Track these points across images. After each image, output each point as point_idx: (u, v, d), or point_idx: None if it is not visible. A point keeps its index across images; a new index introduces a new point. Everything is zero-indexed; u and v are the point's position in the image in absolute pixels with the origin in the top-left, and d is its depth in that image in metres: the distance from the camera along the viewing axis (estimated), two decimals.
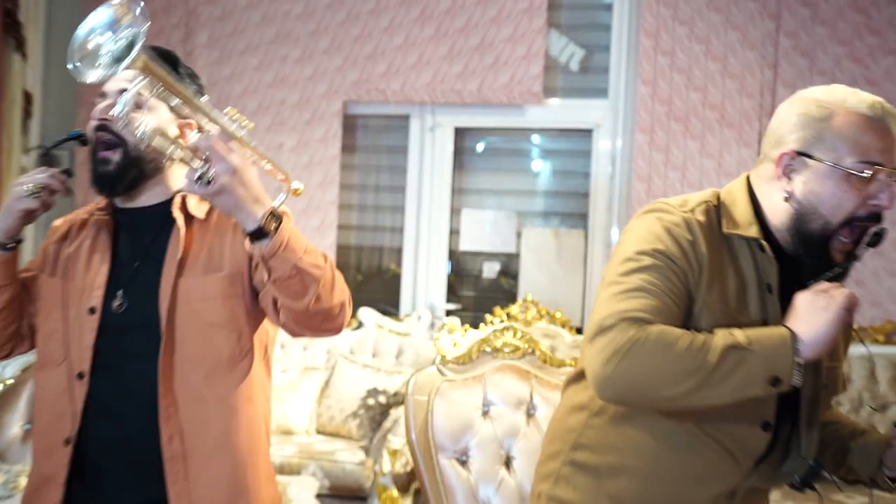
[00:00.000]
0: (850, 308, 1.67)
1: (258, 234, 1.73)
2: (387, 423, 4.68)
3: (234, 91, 5.51)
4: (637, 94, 5.18)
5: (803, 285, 1.76)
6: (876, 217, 1.76)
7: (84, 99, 5.60)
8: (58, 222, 2.17)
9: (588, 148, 5.45)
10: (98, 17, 1.65)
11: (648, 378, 1.74)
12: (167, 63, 1.97)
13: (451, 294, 5.73)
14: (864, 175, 1.71)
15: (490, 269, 5.77)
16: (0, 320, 2.05)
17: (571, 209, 5.71)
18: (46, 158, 5.49)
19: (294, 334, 2.00)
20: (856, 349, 3.86)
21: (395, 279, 5.77)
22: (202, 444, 2.00)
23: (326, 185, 5.46)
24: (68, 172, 2.01)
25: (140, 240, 2.03)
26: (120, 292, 1.98)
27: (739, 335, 1.71)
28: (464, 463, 2.73)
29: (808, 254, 1.82)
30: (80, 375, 1.96)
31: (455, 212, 5.66)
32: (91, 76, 1.62)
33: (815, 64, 4.98)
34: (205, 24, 5.56)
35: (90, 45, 1.66)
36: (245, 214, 1.72)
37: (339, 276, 1.96)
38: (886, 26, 4.92)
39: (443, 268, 5.65)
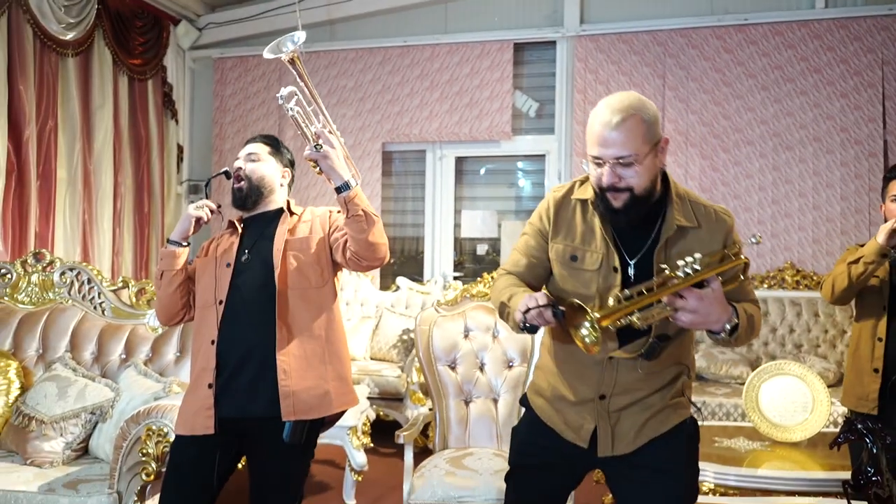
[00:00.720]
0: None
1: (343, 188, 1.98)
2: (414, 352, 4.45)
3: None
4: (573, 131, 5.26)
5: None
6: None
7: (216, 147, 5.81)
8: (206, 243, 2.31)
9: (543, 167, 5.51)
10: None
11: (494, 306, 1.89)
12: (271, 143, 2.30)
13: (458, 266, 5.76)
14: None
15: (481, 249, 5.83)
16: (179, 294, 2.20)
17: (533, 207, 5.81)
18: (195, 188, 5.93)
19: (354, 265, 2.10)
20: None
21: (420, 259, 5.78)
22: (300, 332, 2.10)
23: (373, 198, 5.52)
24: (219, 206, 2.22)
25: (260, 228, 2.21)
26: (246, 251, 2.17)
27: (507, 294, 1.78)
28: (453, 368, 2.95)
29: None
30: (220, 301, 2.10)
31: (457, 212, 5.71)
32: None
33: (689, 107, 5.12)
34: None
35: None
36: (336, 174, 1.98)
37: (383, 229, 2.12)
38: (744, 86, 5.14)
39: (450, 249, 5.68)
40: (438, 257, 5.71)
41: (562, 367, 1.86)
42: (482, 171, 5.88)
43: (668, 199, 1.75)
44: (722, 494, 2.63)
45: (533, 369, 2.70)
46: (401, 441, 2.58)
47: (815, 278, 4.84)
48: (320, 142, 1.98)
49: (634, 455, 1.79)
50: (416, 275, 5.72)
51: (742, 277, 1.75)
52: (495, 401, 2.92)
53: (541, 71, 5.53)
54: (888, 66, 4.77)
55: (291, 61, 2.00)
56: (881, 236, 2.45)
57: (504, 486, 2.01)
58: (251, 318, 2.09)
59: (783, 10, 4.99)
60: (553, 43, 5.41)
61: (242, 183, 2.22)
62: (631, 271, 1.74)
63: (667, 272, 1.61)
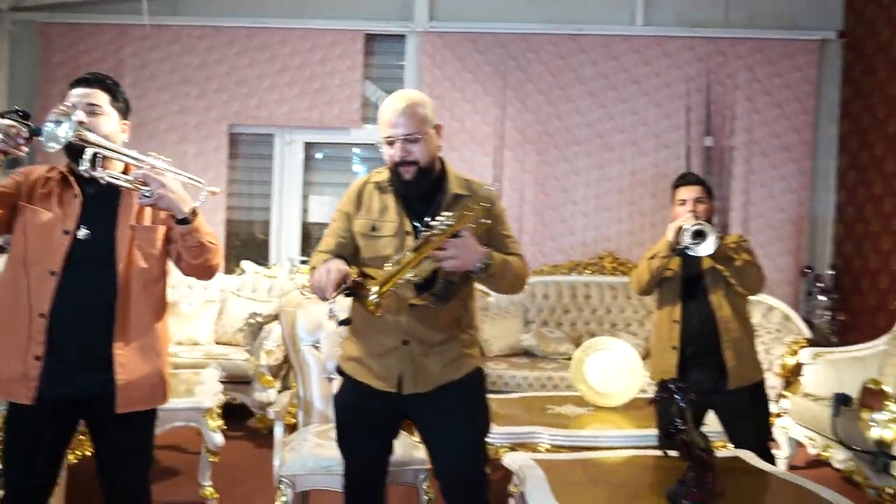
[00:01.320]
0: None
1: (183, 222, 1.99)
2: (263, 334, 4.68)
3: (150, 116, 5.44)
4: None
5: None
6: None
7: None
8: (27, 171, 2.10)
9: None
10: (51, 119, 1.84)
11: None
12: (111, 89, 2.08)
13: (304, 251, 5.78)
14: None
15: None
16: None
17: None
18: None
19: (184, 274, 2.16)
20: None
21: (265, 243, 5.78)
22: (137, 325, 2.06)
23: (218, 180, 5.41)
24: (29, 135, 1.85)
25: (100, 198, 2.05)
26: (84, 227, 2.03)
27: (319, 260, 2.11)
28: (317, 348, 3.06)
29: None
30: (53, 273, 1.98)
31: (305, 197, 5.75)
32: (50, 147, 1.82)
33: (526, 107, 5.53)
34: (130, 70, 5.48)
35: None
36: (177, 210, 1.96)
37: (220, 250, 2.16)
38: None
39: (296, 233, 5.72)
40: (285, 241, 5.75)
41: (367, 327, 2.18)
42: (319, 156, 5.98)
43: (445, 176, 2.18)
44: (555, 452, 3.00)
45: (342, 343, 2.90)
46: (272, 416, 2.70)
47: (629, 265, 5.49)
48: (149, 189, 1.92)
49: (435, 399, 2.16)
50: (261, 258, 5.73)
51: (505, 234, 2.22)
52: None
53: (391, 63, 5.73)
54: (692, 81, 5.50)
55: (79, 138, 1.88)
56: (670, 234, 2.87)
57: None
58: (89, 303, 2.02)
59: (609, 24, 5.58)
60: (403, 36, 5.62)
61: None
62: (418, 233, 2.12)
63: (427, 232, 1.99)
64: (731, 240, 2.99)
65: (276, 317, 4.95)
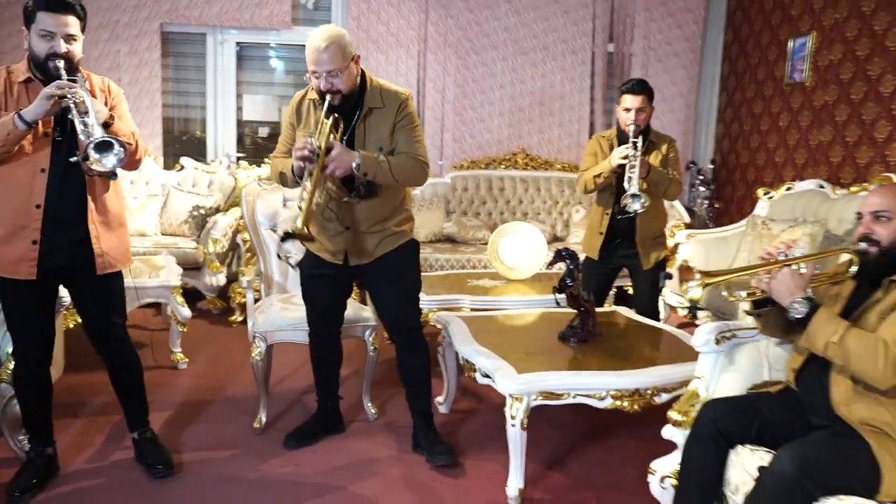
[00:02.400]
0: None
1: (105, 126, 2.27)
2: (208, 225, 5.11)
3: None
4: (348, 24, 5.75)
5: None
6: None
7: None
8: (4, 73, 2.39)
9: None
10: None
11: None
12: (80, 14, 2.32)
13: (240, 146, 6.13)
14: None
15: (263, 132, 6.26)
16: None
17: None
18: None
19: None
20: None
21: (202, 140, 6.04)
22: (102, 202, 2.47)
23: (153, 78, 5.68)
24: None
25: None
26: (58, 128, 2.35)
27: (282, 166, 2.67)
28: (274, 230, 3.57)
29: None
30: (43, 170, 2.35)
31: (239, 96, 6.03)
32: None
33: (448, 13, 5.94)
34: None
35: None
36: (100, 116, 2.27)
37: (140, 145, 2.50)
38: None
39: (232, 131, 5.99)
40: (221, 138, 6.06)
41: (321, 218, 2.74)
42: (261, 55, 6.20)
43: (365, 92, 2.62)
44: (478, 312, 3.72)
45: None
46: (244, 286, 3.29)
47: (539, 160, 6.19)
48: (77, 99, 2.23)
49: (376, 265, 2.77)
50: (199, 155, 6.02)
51: (411, 134, 2.65)
52: None
53: None
54: None
55: None
56: (614, 161, 3.37)
57: None
58: (69, 189, 2.40)
59: None
60: None
61: (61, 63, 2.28)
62: (344, 143, 2.61)
63: (303, 157, 2.48)
64: (663, 149, 3.53)
65: (217, 209, 5.42)
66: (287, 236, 2.52)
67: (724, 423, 2.11)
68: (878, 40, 4.42)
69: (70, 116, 2.27)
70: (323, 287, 2.90)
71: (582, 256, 3.46)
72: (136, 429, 2.83)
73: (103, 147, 2.19)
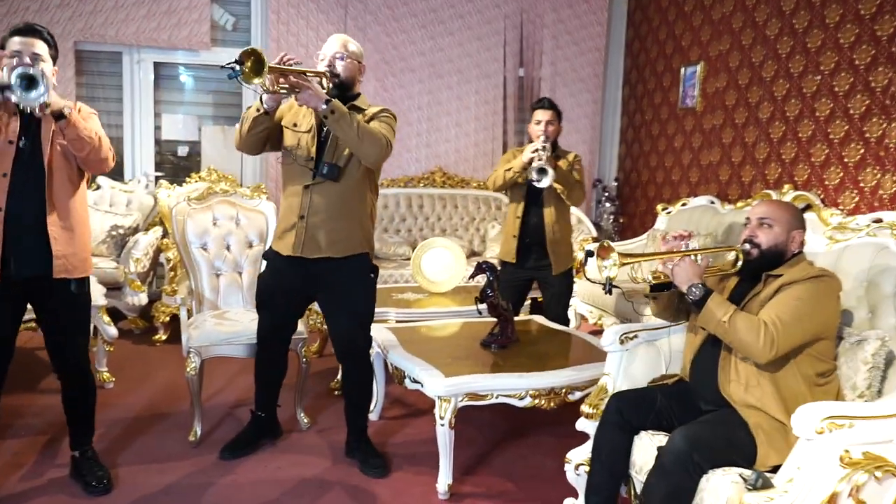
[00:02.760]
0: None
1: (59, 118, 2.40)
2: (129, 245, 5.03)
3: None
4: (268, 46, 5.87)
5: None
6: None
7: None
8: None
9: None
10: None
11: None
12: (47, 40, 2.49)
13: (159, 167, 6.13)
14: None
15: (182, 151, 6.26)
16: None
17: (229, 113, 6.23)
18: None
19: (85, 170, 2.60)
20: None
21: (119, 159, 5.78)
22: (63, 208, 2.53)
23: (67, 97, 5.12)
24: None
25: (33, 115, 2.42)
26: (23, 137, 2.46)
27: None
28: (205, 249, 3.66)
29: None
30: (5, 174, 2.44)
31: (157, 115, 6.03)
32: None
33: (366, 36, 6.23)
34: None
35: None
36: (58, 108, 2.39)
37: (106, 145, 2.55)
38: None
39: (150, 150, 5.99)
40: (139, 158, 6.05)
41: (283, 209, 2.89)
42: (181, 76, 6.25)
43: (357, 98, 2.93)
44: (402, 324, 3.92)
45: None
46: (178, 303, 3.39)
47: (456, 178, 6.48)
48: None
49: (329, 276, 2.86)
50: (116, 174, 5.93)
51: (383, 121, 2.85)
52: (240, 273, 3.81)
53: None
54: (508, 19, 6.42)
55: None
56: (525, 156, 3.65)
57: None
58: (30, 195, 2.47)
59: None
60: None
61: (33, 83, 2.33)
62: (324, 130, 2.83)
63: (286, 59, 2.66)
64: (569, 158, 3.86)
65: (136, 228, 5.41)
66: (243, 56, 2.48)
67: (628, 412, 2.41)
68: (756, 71, 4.96)
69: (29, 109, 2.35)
70: (275, 300, 3.02)
71: (497, 264, 3.71)
72: (78, 447, 2.87)
73: (30, 82, 2.27)
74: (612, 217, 6.71)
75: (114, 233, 5.25)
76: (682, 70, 5.80)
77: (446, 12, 6.31)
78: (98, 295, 4.00)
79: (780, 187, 4.50)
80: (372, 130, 2.72)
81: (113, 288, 4.94)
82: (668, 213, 5.34)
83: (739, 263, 2.41)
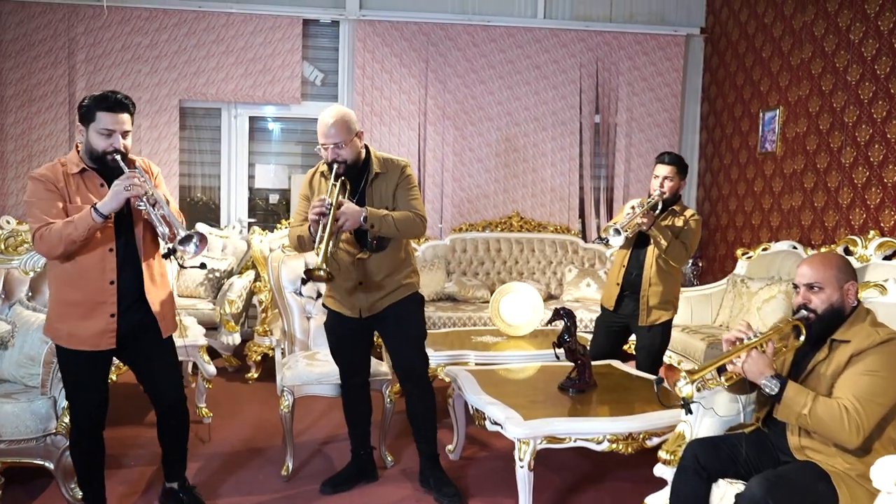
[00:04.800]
0: None
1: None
2: (224, 288, 5.45)
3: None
4: (352, 99, 6.26)
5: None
6: None
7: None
8: (59, 168, 2.61)
9: None
10: None
11: None
12: (132, 112, 2.60)
13: (252, 213, 6.52)
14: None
15: (273, 198, 6.65)
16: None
17: (316, 162, 6.72)
18: None
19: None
20: None
21: (216, 206, 6.42)
22: (153, 275, 2.73)
23: (171, 150, 6.09)
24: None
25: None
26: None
27: (298, 232, 3.03)
28: (298, 294, 3.92)
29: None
30: (111, 249, 2.62)
31: (251, 165, 6.44)
32: None
33: (446, 87, 6.53)
34: (83, 48, 5.92)
35: None
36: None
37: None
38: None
39: (244, 198, 6.39)
40: (234, 205, 6.47)
41: (337, 276, 3.08)
42: (273, 127, 6.65)
43: (370, 161, 3.05)
44: (481, 366, 4.05)
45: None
46: (272, 343, 3.62)
47: (532, 223, 6.61)
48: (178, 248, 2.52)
49: (387, 317, 3.14)
50: (213, 220, 6.42)
51: (408, 194, 3.06)
52: None
53: (326, 45, 6.46)
54: (583, 67, 6.59)
55: None
56: (625, 210, 3.78)
57: None
58: (130, 265, 2.66)
59: (515, 17, 6.55)
60: (337, 23, 6.38)
61: (118, 156, 2.55)
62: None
63: (319, 212, 2.84)
64: (686, 215, 3.80)
65: (231, 272, 5.77)
66: (307, 276, 2.80)
67: (705, 459, 2.46)
68: (837, 116, 4.93)
69: (139, 206, 2.55)
70: (346, 344, 3.27)
71: (579, 313, 3.77)
72: (174, 480, 3.06)
73: (185, 240, 2.48)
74: (690, 262, 6.68)
75: (210, 276, 5.62)
76: (761, 115, 5.80)
77: (523, 63, 6.53)
78: (199, 335, 4.31)
79: (865, 233, 4.44)
80: (407, 219, 2.97)
81: (209, 328, 5.20)
82: (749, 257, 5.31)
83: (803, 337, 2.39)
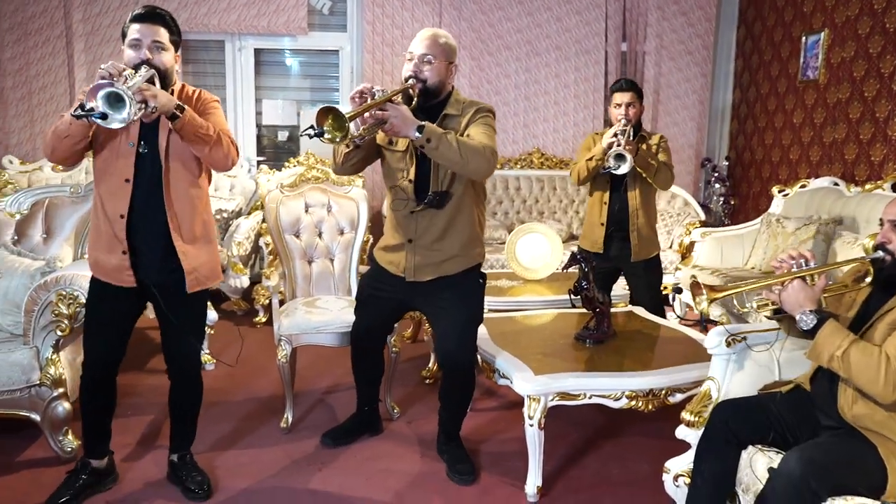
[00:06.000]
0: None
1: (172, 118, 2.27)
2: (231, 229, 5.14)
3: (102, 23, 5.62)
4: (363, 30, 5.87)
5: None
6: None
7: None
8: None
9: (337, 61, 6.10)
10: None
11: None
12: (169, 25, 2.40)
13: (259, 152, 6.24)
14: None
15: (282, 136, 6.35)
16: (80, 147, 2.37)
17: (326, 96, 6.35)
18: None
19: (213, 168, 2.49)
20: None
21: None
22: (186, 218, 2.44)
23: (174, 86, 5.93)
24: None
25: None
26: (142, 141, 2.38)
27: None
28: (297, 236, 3.65)
29: None
30: (127, 180, 2.38)
31: (258, 101, 6.11)
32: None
33: (461, 15, 6.09)
34: None
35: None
36: (167, 111, 2.25)
37: (226, 141, 2.39)
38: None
39: (252, 136, 6.11)
40: (241, 143, 6.14)
41: (390, 227, 2.82)
42: (279, 60, 6.31)
43: (447, 102, 2.68)
44: (494, 313, 3.79)
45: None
46: (269, 290, 3.41)
47: (554, 160, 6.25)
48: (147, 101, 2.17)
49: (433, 290, 2.73)
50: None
51: (480, 127, 2.59)
52: (332, 260, 3.79)
53: None
54: None
55: None
56: (604, 142, 3.49)
57: (347, 318, 3.08)
58: (152, 202, 2.42)
59: None
60: None
61: (152, 71, 2.31)
62: None
63: (361, 92, 2.41)
64: (654, 140, 3.67)
65: (240, 213, 5.54)
66: (317, 126, 2.29)
67: (735, 424, 2.18)
68: (891, 38, 4.44)
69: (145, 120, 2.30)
70: (374, 306, 2.93)
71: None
72: (176, 451, 2.80)
73: (114, 100, 2.10)
74: (721, 199, 6.29)
75: (218, 217, 5.35)
76: (804, 39, 5.30)
77: None
78: None
79: None
80: (474, 147, 2.49)
81: None
82: (785, 195, 4.93)
83: (868, 279, 2.06)
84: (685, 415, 2.37)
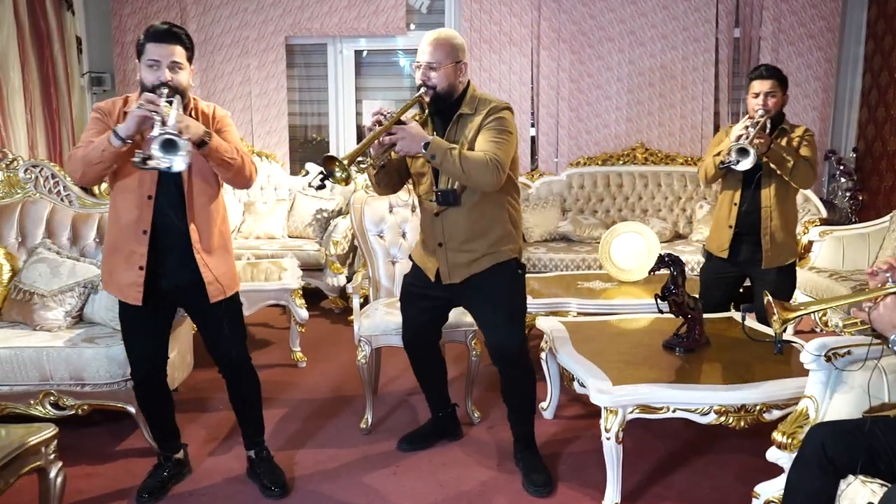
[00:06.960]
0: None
1: (200, 145, 2.32)
2: (330, 228, 5.29)
3: (214, 32, 5.90)
4: (461, 26, 5.82)
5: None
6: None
7: (117, 39, 5.95)
8: (109, 106, 2.50)
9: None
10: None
11: None
12: (185, 43, 2.38)
13: None
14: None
15: None
16: (108, 171, 2.39)
17: None
18: (98, 80, 5.97)
19: (233, 187, 2.62)
20: None
21: (325, 145, 6.27)
22: (207, 229, 2.50)
23: (279, 89, 5.99)
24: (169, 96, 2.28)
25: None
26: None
27: None
28: (381, 237, 3.65)
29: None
30: (150, 197, 2.42)
31: (358, 101, 6.23)
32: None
33: (561, 7, 5.88)
34: None
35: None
36: (196, 139, 2.30)
37: (248, 162, 2.46)
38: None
39: (352, 135, 6.19)
40: (343, 143, 6.28)
41: (422, 228, 2.78)
42: (379, 62, 6.35)
43: (463, 101, 2.59)
44: (583, 316, 3.62)
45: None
46: (350, 291, 3.43)
47: (659, 154, 5.93)
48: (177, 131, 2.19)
49: (471, 288, 2.68)
50: None
51: (491, 136, 2.51)
52: None
53: None
54: None
55: None
56: (733, 134, 3.18)
57: None
58: (175, 216, 2.46)
59: None
60: None
61: (165, 90, 2.32)
62: None
63: (376, 121, 2.45)
64: (797, 133, 3.29)
65: (339, 212, 5.63)
66: (324, 166, 2.34)
67: (834, 450, 1.93)
68: None
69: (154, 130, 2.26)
70: (416, 305, 2.90)
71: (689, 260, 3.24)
72: (251, 448, 2.84)
73: (168, 146, 2.17)
74: (848, 194, 5.76)
75: (318, 216, 5.52)
76: None
77: None
78: (292, 278, 4.20)
79: None
80: (477, 161, 2.44)
81: (316, 269, 5.22)
82: None
83: None
84: (777, 435, 2.14)
